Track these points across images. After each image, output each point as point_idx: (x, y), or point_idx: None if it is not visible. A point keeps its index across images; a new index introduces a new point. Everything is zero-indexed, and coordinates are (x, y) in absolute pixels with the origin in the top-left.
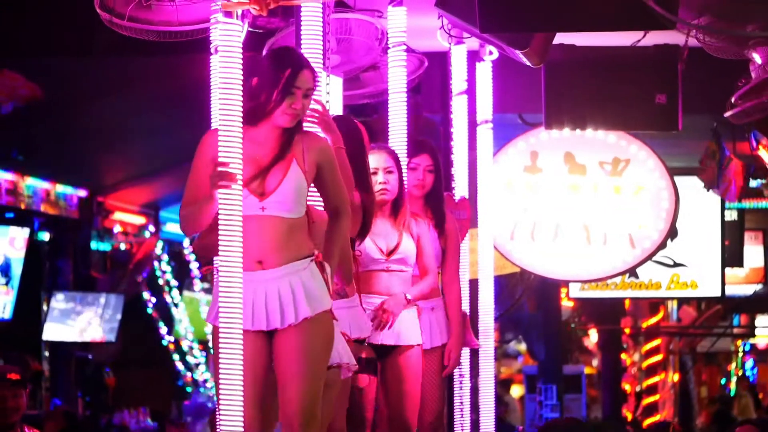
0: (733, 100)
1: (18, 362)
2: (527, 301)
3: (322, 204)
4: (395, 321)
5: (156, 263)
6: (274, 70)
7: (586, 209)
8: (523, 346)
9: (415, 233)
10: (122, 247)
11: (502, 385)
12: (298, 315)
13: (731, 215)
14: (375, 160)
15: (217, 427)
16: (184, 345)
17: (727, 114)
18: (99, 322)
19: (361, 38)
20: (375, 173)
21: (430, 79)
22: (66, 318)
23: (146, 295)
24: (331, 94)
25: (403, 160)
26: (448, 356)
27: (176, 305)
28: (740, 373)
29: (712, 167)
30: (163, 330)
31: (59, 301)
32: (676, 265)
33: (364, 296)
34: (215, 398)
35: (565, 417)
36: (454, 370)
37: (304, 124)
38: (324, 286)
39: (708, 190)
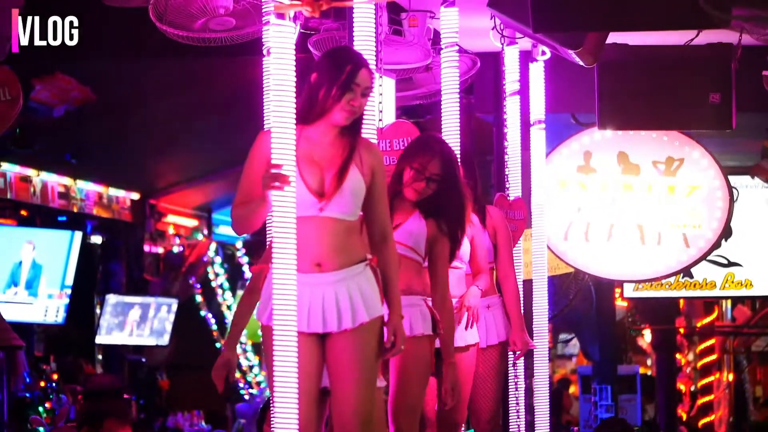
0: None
1: (72, 366)
2: (581, 301)
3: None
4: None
5: (209, 266)
6: (335, 67)
7: (640, 209)
8: (576, 347)
9: (469, 233)
10: (175, 249)
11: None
12: (355, 319)
13: None
14: None
15: (272, 429)
16: (237, 347)
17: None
18: (152, 326)
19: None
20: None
21: (483, 80)
22: (119, 321)
23: (199, 297)
24: (384, 95)
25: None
26: (514, 346)
27: (229, 308)
28: None
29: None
30: (216, 333)
31: (112, 305)
32: (730, 264)
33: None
34: (268, 400)
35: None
36: (509, 371)
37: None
38: (378, 291)
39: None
